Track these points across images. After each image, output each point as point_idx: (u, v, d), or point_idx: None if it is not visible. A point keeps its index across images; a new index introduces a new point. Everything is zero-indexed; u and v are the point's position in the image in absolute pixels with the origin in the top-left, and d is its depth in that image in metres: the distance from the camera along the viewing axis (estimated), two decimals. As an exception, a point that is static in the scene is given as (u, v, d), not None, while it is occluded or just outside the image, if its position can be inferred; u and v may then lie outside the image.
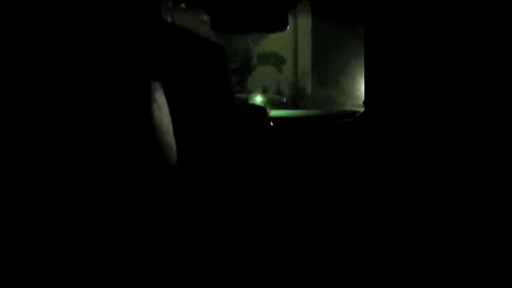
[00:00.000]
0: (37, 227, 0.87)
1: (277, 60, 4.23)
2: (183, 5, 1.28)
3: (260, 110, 1.34)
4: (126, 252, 0.91)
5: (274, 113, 2.60)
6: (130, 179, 0.93)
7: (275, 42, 4.14)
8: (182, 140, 0.99)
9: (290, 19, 1.84)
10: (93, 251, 0.88)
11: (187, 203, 0.99)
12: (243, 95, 3.77)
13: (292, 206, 1.69)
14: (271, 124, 1.48)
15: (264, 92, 4.14)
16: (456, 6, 0.88)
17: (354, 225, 1.44)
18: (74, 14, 0.87)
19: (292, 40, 4.22)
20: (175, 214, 0.97)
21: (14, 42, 0.86)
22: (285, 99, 3.71)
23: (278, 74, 4.26)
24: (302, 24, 4.14)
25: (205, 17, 1.39)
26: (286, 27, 1.78)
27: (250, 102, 3.53)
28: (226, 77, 1.03)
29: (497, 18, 0.86)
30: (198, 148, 1.05)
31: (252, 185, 1.19)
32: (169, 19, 1.09)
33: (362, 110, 2.46)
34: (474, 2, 0.87)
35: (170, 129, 0.94)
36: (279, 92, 4.14)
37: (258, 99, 3.64)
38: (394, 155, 0.98)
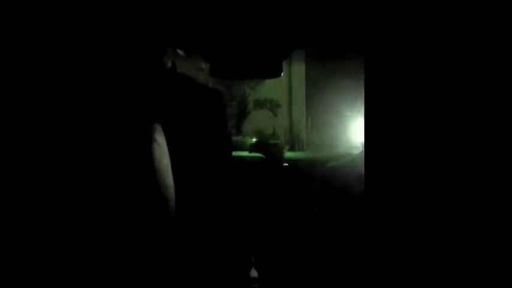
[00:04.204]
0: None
1: (272, 105, 4.35)
2: (182, 53, 1.36)
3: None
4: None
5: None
6: (129, 216, 0.96)
7: (270, 88, 4.29)
8: (180, 180, 1.03)
9: (284, 66, 1.94)
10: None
11: (185, 241, 1.02)
12: (239, 138, 3.85)
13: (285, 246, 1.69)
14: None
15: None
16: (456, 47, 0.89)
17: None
18: (86, 59, 0.95)
19: (287, 86, 4.37)
20: (173, 251, 0.99)
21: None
22: (280, 142, 3.79)
23: (273, 118, 4.36)
24: (296, 70, 4.30)
25: (204, 65, 1.48)
26: (280, 74, 1.88)
27: (247, 143, 3.60)
28: (223, 119, 1.09)
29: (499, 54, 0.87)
30: (195, 188, 1.09)
31: (246, 221, 1.20)
32: (169, 66, 1.17)
33: (355, 152, 2.52)
34: (475, 43, 0.87)
35: (169, 169, 0.99)
36: (274, 136, 4.22)
37: (254, 141, 3.72)
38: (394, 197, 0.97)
